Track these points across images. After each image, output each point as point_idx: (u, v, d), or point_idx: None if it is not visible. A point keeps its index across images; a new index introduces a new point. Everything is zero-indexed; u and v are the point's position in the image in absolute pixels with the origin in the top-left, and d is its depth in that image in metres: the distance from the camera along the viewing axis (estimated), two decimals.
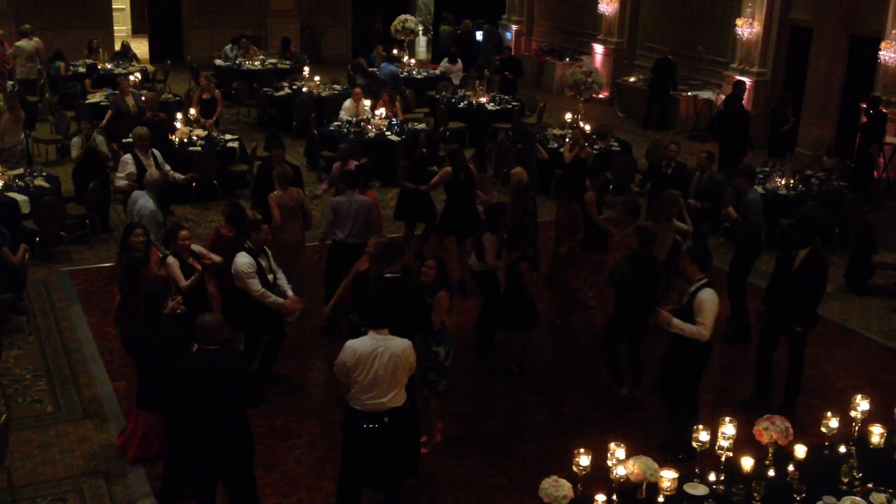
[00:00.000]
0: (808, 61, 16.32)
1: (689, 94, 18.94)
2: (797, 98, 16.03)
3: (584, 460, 5.43)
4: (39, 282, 10.66)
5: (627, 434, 7.47)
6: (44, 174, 12.24)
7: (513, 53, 21.85)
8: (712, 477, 5.65)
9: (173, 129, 13.73)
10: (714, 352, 7.50)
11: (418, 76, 19.83)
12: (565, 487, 5.27)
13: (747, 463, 5.64)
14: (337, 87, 18.30)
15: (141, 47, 23.59)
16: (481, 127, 15.71)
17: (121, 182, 10.92)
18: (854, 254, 11.42)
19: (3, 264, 9.44)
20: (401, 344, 6.23)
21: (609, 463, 5.46)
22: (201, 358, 5.93)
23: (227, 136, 14.44)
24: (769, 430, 5.82)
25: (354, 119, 15.12)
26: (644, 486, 5.48)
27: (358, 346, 6.19)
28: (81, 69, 18.42)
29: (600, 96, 19.66)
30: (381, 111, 15.33)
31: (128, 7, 27.62)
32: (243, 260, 8.00)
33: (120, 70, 18.18)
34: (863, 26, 15.67)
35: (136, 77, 16.93)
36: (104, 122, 14.19)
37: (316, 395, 8.65)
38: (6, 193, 11.36)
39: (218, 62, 20.40)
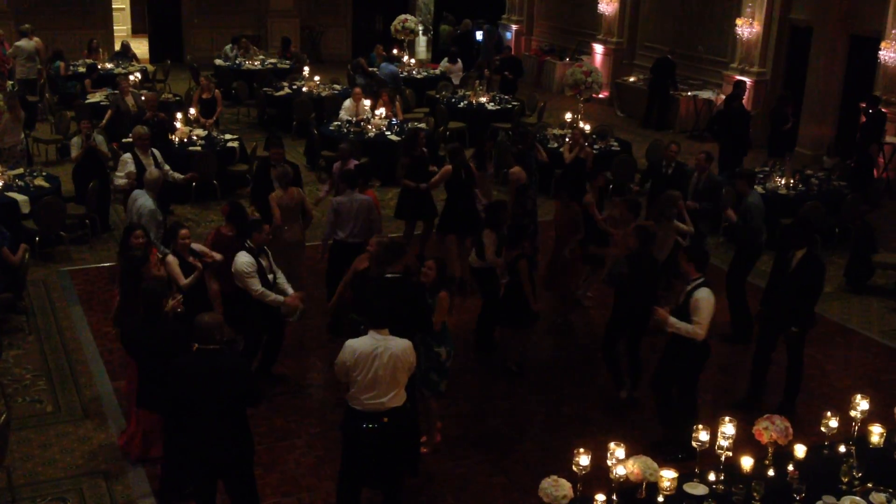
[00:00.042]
0: (807, 61, 16.32)
1: (689, 93, 18.94)
2: (797, 98, 16.03)
3: (584, 460, 5.43)
4: (39, 281, 10.66)
5: (627, 434, 7.47)
6: (44, 174, 12.24)
7: (513, 53, 21.85)
8: (712, 477, 5.65)
9: (173, 129, 13.73)
10: (711, 351, 7.49)
11: (418, 76, 19.83)
12: (565, 487, 5.27)
13: (747, 463, 5.64)
14: (337, 86, 18.30)
15: (141, 47, 23.59)
16: (481, 127, 15.70)
17: (120, 181, 10.92)
18: (854, 253, 11.42)
19: (2, 264, 9.44)
20: (400, 344, 6.23)
21: (609, 463, 5.46)
22: (200, 357, 5.93)
23: (227, 136, 14.44)
24: (769, 429, 5.82)
25: (354, 119, 15.12)
26: (644, 486, 5.48)
27: (358, 345, 6.19)
28: (81, 69, 18.43)
29: (600, 96, 19.66)
30: (381, 111, 15.34)
31: (128, 7, 27.61)
32: (243, 259, 8.00)
33: (120, 70, 18.18)
34: (863, 26, 15.67)
35: (135, 77, 16.93)
36: (104, 121, 14.20)
37: (316, 395, 8.65)
38: (6, 193, 11.36)
39: (218, 62, 20.40)
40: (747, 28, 17.59)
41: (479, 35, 23.33)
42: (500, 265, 8.99)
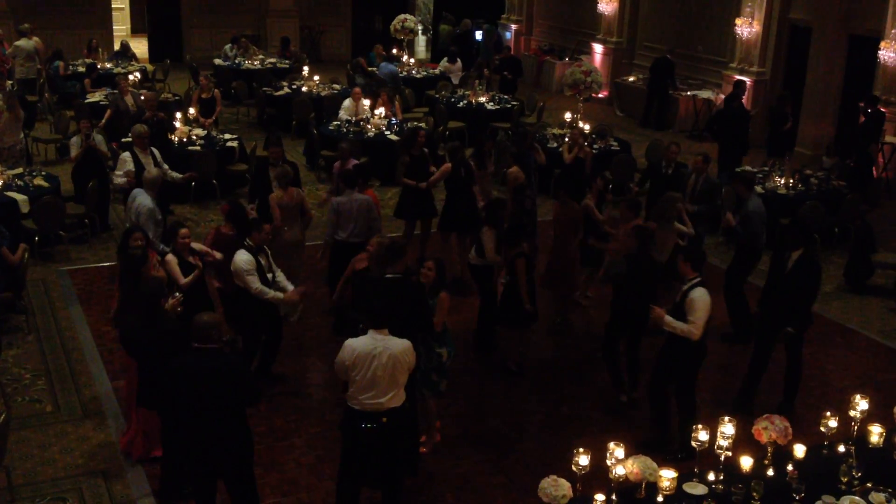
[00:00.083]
0: (807, 61, 16.32)
1: (689, 93, 18.94)
2: (796, 98, 16.03)
3: (584, 460, 5.43)
4: (39, 281, 10.66)
5: (626, 434, 7.47)
6: (43, 173, 12.23)
7: (512, 53, 21.84)
8: (711, 476, 5.65)
9: (172, 129, 13.73)
10: (707, 351, 7.49)
11: (418, 76, 19.83)
12: (564, 487, 5.27)
13: (746, 462, 5.64)
14: (336, 86, 18.29)
15: (140, 47, 23.59)
16: (481, 126, 15.70)
17: (119, 180, 10.92)
18: (853, 253, 11.42)
19: (2, 263, 9.43)
20: (400, 345, 6.22)
21: (608, 462, 5.46)
22: (199, 357, 5.93)
23: (227, 136, 14.44)
24: (768, 429, 5.82)
25: (354, 119, 15.12)
26: (643, 486, 5.48)
27: (357, 345, 6.19)
28: (81, 68, 18.45)
29: (599, 96, 19.65)
30: (381, 111, 15.34)
31: (127, 6, 27.62)
32: (242, 257, 8.01)
33: (119, 69, 18.18)
34: (862, 26, 15.68)
35: (135, 76, 16.92)
36: (103, 121, 14.20)
37: (315, 395, 8.65)
38: (5, 193, 11.36)
39: (217, 62, 20.41)
40: (747, 28, 17.60)
41: (478, 35, 23.34)
42: (500, 263, 8.99)
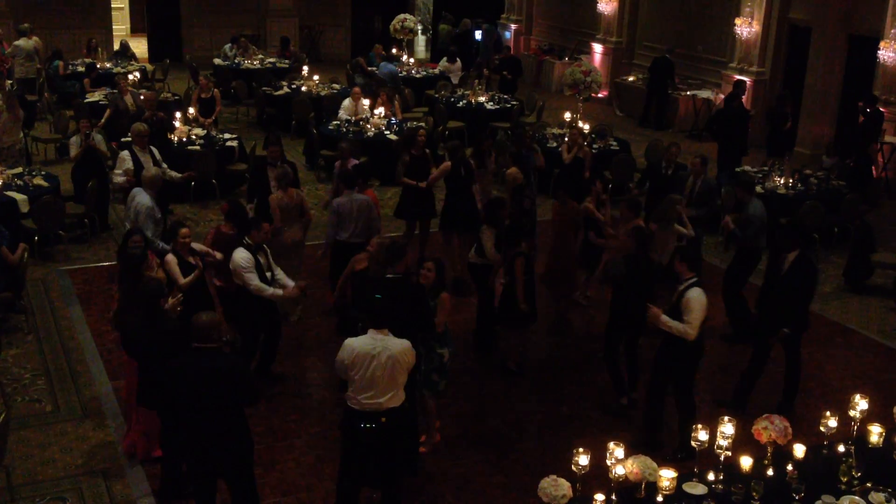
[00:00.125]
0: (807, 61, 16.31)
1: (688, 93, 18.94)
2: (796, 97, 16.03)
3: (583, 459, 5.43)
4: (38, 281, 10.65)
5: (626, 433, 7.47)
6: (42, 173, 12.23)
7: (512, 53, 21.84)
8: (711, 476, 5.65)
9: (172, 128, 13.73)
10: (704, 351, 7.50)
11: (417, 75, 19.82)
12: (564, 487, 5.27)
13: (746, 462, 5.64)
14: (336, 86, 18.29)
15: (140, 46, 23.57)
16: (480, 126, 15.70)
17: (118, 179, 10.92)
18: (853, 253, 11.42)
19: (1, 263, 9.44)
20: (399, 345, 6.21)
21: (608, 462, 5.46)
22: (198, 357, 5.92)
23: (226, 136, 14.44)
24: (768, 429, 5.82)
25: (353, 118, 15.12)
26: (643, 486, 5.49)
27: (356, 344, 6.19)
28: (80, 68, 18.45)
29: (599, 95, 19.65)
30: (380, 110, 15.33)
31: (126, 6, 27.61)
32: (241, 255, 8.02)
33: (119, 69, 18.17)
34: (862, 25, 15.68)
35: (134, 76, 16.91)
36: (103, 120, 14.18)
37: (315, 395, 8.64)
38: (5, 192, 11.36)
39: (217, 61, 20.40)
40: (746, 28, 17.60)
41: (478, 34, 23.33)
42: (500, 262, 8.98)
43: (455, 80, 19.63)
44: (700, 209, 10.37)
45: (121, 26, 26.42)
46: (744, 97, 15.54)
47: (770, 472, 5.71)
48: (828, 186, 12.93)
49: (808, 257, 8.15)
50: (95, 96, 16.39)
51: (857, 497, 5.51)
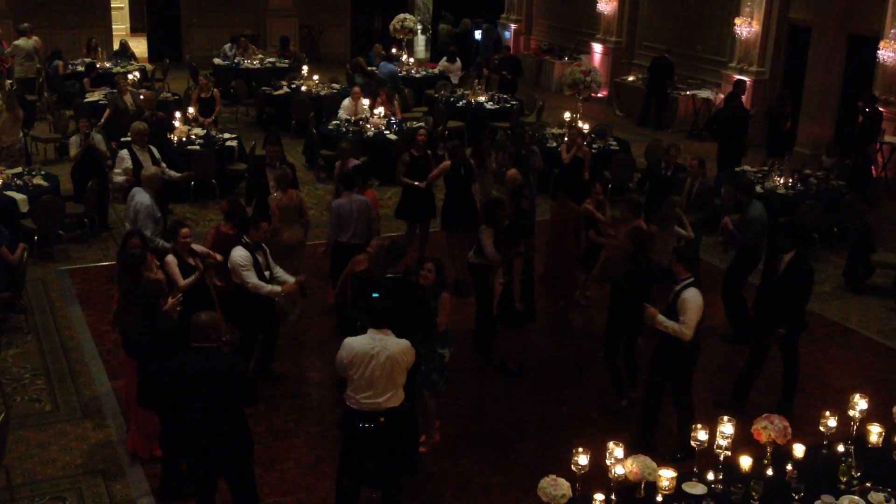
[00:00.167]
0: (806, 60, 16.32)
1: (688, 93, 18.94)
2: (796, 97, 16.03)
3: (583, 459, 5.43)
4: (38, 280, 10.65)
5: (626, 433, 7.47)
6: (42, 173, 12.23)
7: (511, 52, 21.84)
8: (711, 476, 5.65)
9: (172, 128, 13.73)
10: (700, 351, 7.49)
11: (417, 75, 19.82)
12: (564, 486, 5.27)
13: (746, 462, 5.64)
14: (336, 86, 18.28)
15: (139, 46, 23.57)
16: (480, 126, 15.70)
17: (118, 178, 10.92)
18: (853, 253, 11.42)
19: (1, 263, 9.44)
20: (398, 345, 6.20)
21: (607, 462, 5.46)
22: (197, 357, 5.93)
23: (226, 135, 14.44)
24: (767, 429, 5.82)
25: (353, 118, 15.12)
26: (642, 486, 5.49)
27: (355, 344, 6.19)
28: (80, 68, 18.45)
29: (599, 95, 19.65)
30: (380, 110, 15.33)
31: (126, 6, 27.60)
32: (239, 253, 8.03)
33: (118, 69, 18.15)
34: (861, 25, 15.68)
35: (134, 76, 16.91)
36: (102, 120, 14.19)
37: (315, 395, 8.64)
38: (5, 192, 11.35)
39: (217, 61, 20.39)
40: (746, 27, 17.60)
41: (477, 34, 23.32)
42: (500, 262, 8.98)
43: (455, 80, 19.63)
44: (698, 213, 10.35)
45: (120, 26, 26.41)
46: (743, 97, 15.55)
47: (769, 471, 5.71)
48: (827, 186, 12.93)
49: (804, 258, 8.15)
50: (95, 96, 16.39)
51: (856, 497, 5.52)
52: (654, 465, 5.51)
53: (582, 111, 15.02)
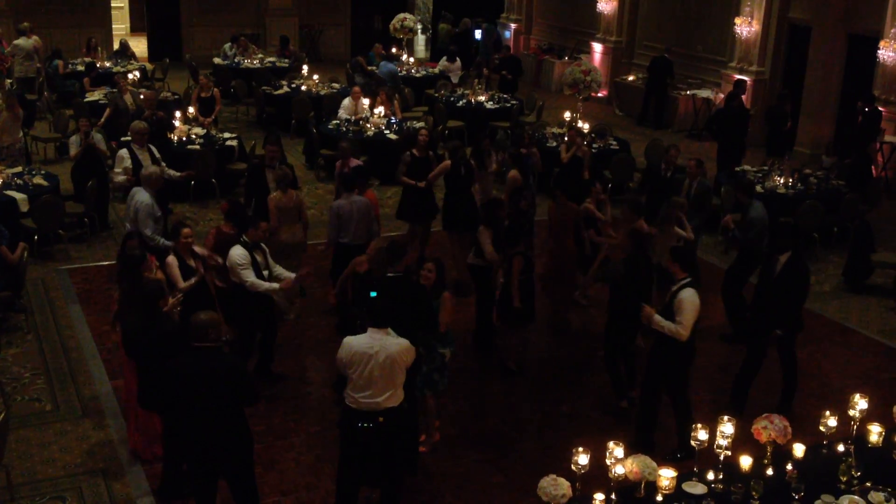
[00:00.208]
0: (806, 60, 16.32)
1: (688, 92, 18.94)
2: (796, 97, 16.03)
3: (583, 459, 5.43)
4: (38, 280, 10.65)
5: (626, 433, 7.47)
6: (42, 172, 12.23)
7: (511, 52, 21.84)
8: (711, 476, 5.65)
9: (172, 128, 13.73)
10: (696, 351, 7.48)
11: (417, 75, 19.82)
12: (564, 486, 5.27)
13: (746, 462, 5.64)
14: (336, 85, 18.28)
15: (140, 45, 23.59)
16: (480, 125, 15.71)
17: (119, 178, 10.91)
18: (853, 253, 11.42)
19: (1, 262, 9.44)
20: (397, 345, 6.19)
21: (607, 462, 5.46)
22: (197, 357, 5.93)
23: (226, 135, 14.44)
24: (767, 428, 5.82)
25: (353, 118, 15.12)
26: (643, 485, 5.48)
27: (354, 343, 6.18)
28: (80, 67, 18.45)
29: (599, 95, 19.66)
30: (380, 110, 15.33)
31: (126, 5, 27.63)
32: (237, 252, 8.03)
33: (118, 68, 18.16)
34: (861, 25, 15.68)
35: (134, 75, 16.93)
36: (102, 120, 14.19)
37: (315, 394, 8.64)
38: (5, 191, 11.35)
39: (217, 60, 20.40)
40: (746, 27, 17.60)
41: (477, 34, 23.33)
42: (499, 262, 8.98)
43: (455, 80, 19.63)
44: (697, 214, 10.35)
45: (120, 25, 26.43)
46: (743, 96, 15.55)
47: (769, 471, 5.71)
48: (827, 186, 12.94)
49: (800, 258, 8.14)
50: (95, 95, 16.39)
51: (856, 496, 5.51)
52: (655, 464, 5.51)
53: (582, 111, 15.03)
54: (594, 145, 14.22)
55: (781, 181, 12.66)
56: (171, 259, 8.06)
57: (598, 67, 16.49)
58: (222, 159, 13.72)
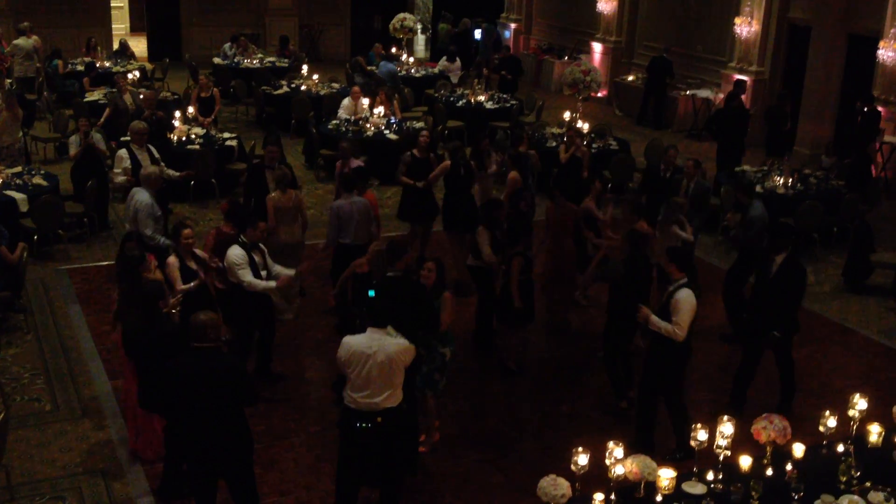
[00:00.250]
0: (806, 60, 16.32)
1: (688, 92, 18.94)
2: (795, 97, 16.03)
3: (583, 459, 5.43)
4: (38, 280, 10.65)
5: (625, 433, 7.46)
6: (42, 172, 12.23)
7: (511, 52, 21.84)
8: (710, 476, 5.65)
9: (171, 128, 13.73)
10: (693, 352, 7.49)
11: (417, 75, 19.82)
12: (563, 486, 5.27)
13: (745, 462, 5.64)
14: (335, 85, 18.28)
15: (139, 45, 23.58)
16: (480, 126, 15.72)
17: (119, 179, 10.90)
18: (852, 253, 11.42)
19: (1, 262, 9.43)
20: (395, 345, 6.19)
21: (607, 462, 5.46)
22: (195, 357, 5.92)
23: (226, 135, 14.44)
24: (767, 429, 5.82)
25: (353, 118, 15.12)
26: (642, 485, 5.48)
27: (353, 342, 6.18)
28: (80, 67, 18.45)
29: (598, 95, 19.66)
30: (380, 109, 15.33)
31: (126, 5, 27.62)
32: (234, 252, 8.03)
33: (118, 68, 18.15)
34: (861, 25, 15.68)
35: (134, 75, 16.91)
36: (102, 120, 14.18)
37: (314, 394, 8.64)
38: (4, 191, 11.35)
39: (216, 60, 20.39)
40: (746, 27, 17.60)
41: (477, 34, 23.32)
42: (496, 264, 8.98)
43: (454, 80, 19.63)
44: (695, 216, 10.35)
45: (120, 25, 26.42)
46: (743, 96, 15.55)
47: (769, 471, 5.71)
48: (827, 186, 12.94)
49: (796, 259, 8.14)
50: (95, 95, 16.39)
51: (856, 496, 5.51)
52: (654, 464, 5.51)
53: (581, 111, 15.04)
54: (594, 145, 14.22)
55: (781, 181, 12.67)
56: (173, 259, 8.04)
57: (598, 67, 16.50)
58: (222, 159, 13.72)
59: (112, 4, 24.62)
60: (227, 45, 20.83)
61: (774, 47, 17.57)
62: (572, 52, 22.61)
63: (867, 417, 6.13)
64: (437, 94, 18.19)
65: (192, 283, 7.96)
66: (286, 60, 20.57)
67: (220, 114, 16.20)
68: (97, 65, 18.28)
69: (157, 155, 11.25)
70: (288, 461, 7.45)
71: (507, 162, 11.47)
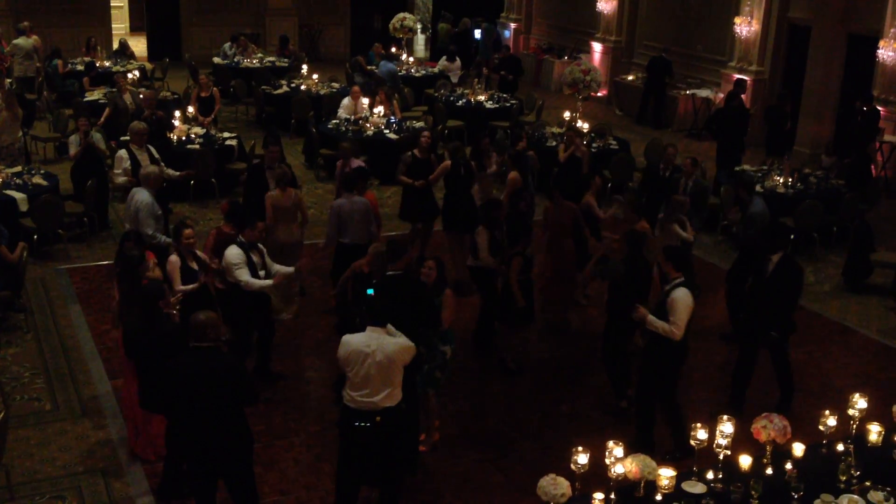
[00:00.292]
0: (806, 60, 16.32)
1: (688, 92, 18.95)
2: (795, 97, 16.04)
3: (583, 458, 5.43)
4: (37, 280, 10.65)
5: (625, 432, 7.46)
6: (42, 172, 12.23)
7: (511, 52, 21.84)
8: (710, 475, 5.65)
9: (171, 127, 13.73)
10: (689, 352, 7.48)
11: (417, 74, 19.83)
12: (563, 486, 5.27)
13: (745, 461, 5.65)
14: (335, 85, 18.29)
15: (139, 45, 23.60)
16: (480, 125, 15.72)
17: (120, 179, 10.90)
18: (852, 252, 11.42)
19: (1, 262, 9.43)
20: (394, 344, 6.18)
21: (607, 461, 5.46)
22: (195, 356, 5.92)
23: (226, 135, 14.44)
24: (767, 428, 5.82)
25: (353, 117, 15.12)
26: (642, 485, 5.49)
27: (352, 341, 6.18)
28: (79, 67, 18.45)
29: (598, 95, 19.66)
30: (380, 109, 15.33)
31: (126, 5, 27.63)
32: (232, 251, 8.02)
33: (118, 68, 18.16)
34: (861, 25, 15.69)
35: (134, 75, 16.92)
36: (102, 119, 14.19)
37: (314, 394, 8.64)
38: (4, 191, 11.35)
39: (216, 60, 20.40)
40: (746, 27, 17.61)
41: (477, 33, 23.33)
42: (493, 264, 8.96)
43: (454, 79, 19.63)
44: (695, 216, 10.34)
45: (120, 25, 26.42)
46: (743, 96, 15.55)
47: (769, 470, 5.72)
48: (827, 186, 12.94)
49: (792, 259, 8.13)
50: (95, 95, 16.39)
51: (855, 496, 5.52)
52: (654, 464, 5.51)
53: (581, 110, 15.04)
54: (594, 145, 14.22)
55: (781, 181, 12.67)
56: (175, 258, 8.04)
57: (598, 67, 16.50)
58: (222, 159, 13.72)
59: (112, 4, 24.64)
60: (226, 45, 20.84)
61: (774, 47, 17.58)
62: (572, 52, 22.62)
63: (867, 417, 6.14)
64: (436, 94, 18.19)
65: (192, 286, 7.95)
66: (286, 60, 20.57)
67: (220, 113, 16.21)
68: (97, 64, 18.29)
69: (156, 155, 11.24)
70: (288, 461, 7.46)
71: (507, 162, 11.47)
